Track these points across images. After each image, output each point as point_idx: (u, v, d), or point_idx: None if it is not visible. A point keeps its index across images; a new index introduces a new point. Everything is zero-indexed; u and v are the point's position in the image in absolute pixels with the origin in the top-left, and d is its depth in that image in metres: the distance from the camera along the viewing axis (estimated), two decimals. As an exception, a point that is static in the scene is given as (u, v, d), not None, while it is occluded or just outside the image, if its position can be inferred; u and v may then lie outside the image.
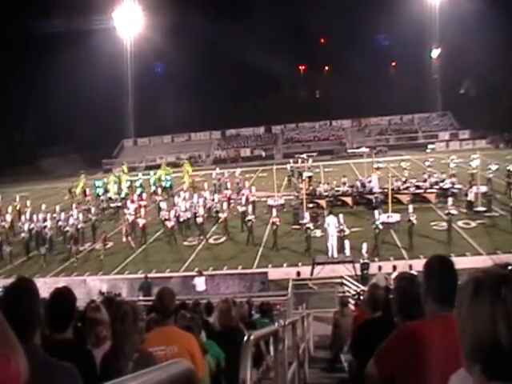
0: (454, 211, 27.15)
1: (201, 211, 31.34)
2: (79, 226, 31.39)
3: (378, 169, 37.91)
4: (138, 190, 41.33)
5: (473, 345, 1.37)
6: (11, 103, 69.10)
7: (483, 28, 57.98)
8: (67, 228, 31.08)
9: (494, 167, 35.22)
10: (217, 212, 32.31)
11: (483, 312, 1.34)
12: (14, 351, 1.64)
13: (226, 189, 37.54)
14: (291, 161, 43.68)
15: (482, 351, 1.35)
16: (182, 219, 31.26)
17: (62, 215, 33.14)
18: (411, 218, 25.81)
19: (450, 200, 27.94)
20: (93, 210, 34.23)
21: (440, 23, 70.15)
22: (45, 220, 32.16)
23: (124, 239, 30.96)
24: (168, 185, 43.75)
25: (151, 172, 47.89)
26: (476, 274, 1.42)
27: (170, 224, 30.37)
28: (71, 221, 31.49)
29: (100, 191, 42.39)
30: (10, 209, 37.15)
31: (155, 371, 1.54)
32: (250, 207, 31.48)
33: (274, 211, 28.93)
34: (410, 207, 27.11)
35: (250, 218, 29.23)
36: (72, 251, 29.71)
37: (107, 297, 7.13)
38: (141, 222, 31.10)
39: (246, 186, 36.46)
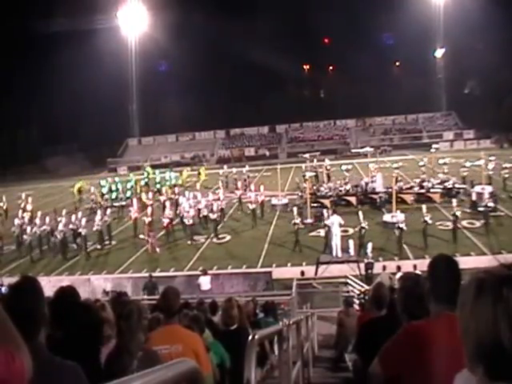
0: (491, 203, 27.05)
1: (205, 211, 31.54)
2: (94, 229, 30.76)
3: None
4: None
5: (475, 346, 1.37)
6: (15, 102, 69.21)
7: (488, 28, 57.93)
8: (80, 229, 30.16)
9: (468, 163, 35.99)
10: (221, 210, 32.22)
11: (485, 313, 1.34)
12: (18, 349, 1.64)
13: (250, 190, 36.33)
14: (308, 160, 43.33)
15: (485, 352, 1.35)
16: (185, 219, 31.23)
17: (73, 217, 32.50)
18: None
19: (487, 193, 27.67)
20: (108, 211, 33.79)
21: (444, 23, 70.06)
22: (54, 221, 31.38)
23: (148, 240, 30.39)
24: (173, 183, 43.72)
25: (157, 171, 47.90)
26: (478, 275, 1.42)
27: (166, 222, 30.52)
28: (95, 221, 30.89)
29: (105, 190, 42.42)
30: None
31: (160, 370, 1.54)
32: (295, 209, 29.40)
33: (326, 213, 27.50)
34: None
35: (296, 221, 27.54)
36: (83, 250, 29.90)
37: (117, 293, 7.13)
38: (165, 221, 30.80)
39: (261, 190, 35.40)
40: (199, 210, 32.07)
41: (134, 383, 1.40)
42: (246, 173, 42.12)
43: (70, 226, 30.93)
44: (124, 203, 38.55)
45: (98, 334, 3.33)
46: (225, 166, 45.84)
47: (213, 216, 30.80)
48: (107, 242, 31.42)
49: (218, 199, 33.65)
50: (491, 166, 35.59)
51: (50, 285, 18.14)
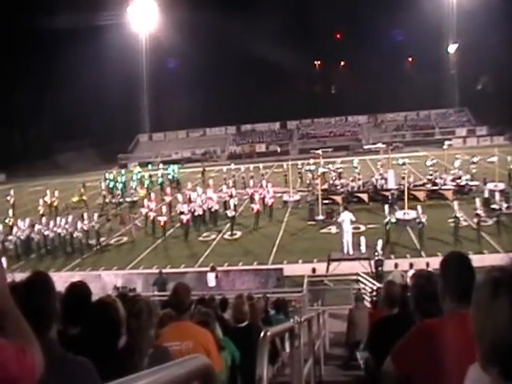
0: (504, 204, 27.01)
1: (215, 206, 31.64)
2: (75, 235, 30.36)
3: (382, 166, 38.11)
4: (149, 187, 41.56)
5: (491, 346, 1.34)
6: (27, 98, 69.52)
7: (501, 23, 57.40)
8: (60, 230, 30.16)
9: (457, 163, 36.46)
10: (235, 206, 32.29)
11: (503, 313, 1.32)
12: (30, 344, 1.63)
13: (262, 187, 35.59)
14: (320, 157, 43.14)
15: (501, 352, 1.32)
16: (196, 213, 31.27)
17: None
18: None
19: (499, 191, 27.62)
20: (95, 215, 32.54)
21: (457, 18, 69.57)
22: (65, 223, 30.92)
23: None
24: (175, 179, 43.74)
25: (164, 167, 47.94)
26: (493, 274, 1.38)
27: (185, 218, 30.42)
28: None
29: (111, 184, 42.41)
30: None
31: (172, 367, 1.53)
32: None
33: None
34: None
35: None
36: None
37: (121, 292, 7.15)
38: (162, 219, 30.70)
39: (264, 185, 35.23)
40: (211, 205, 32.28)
41: (145, 380, 1.39)
42: (253, 170, 41.98)
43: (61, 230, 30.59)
44: (136, 198, 38.39)
45: (116, 332, 3.32)
46: (232, 164, 45.46)
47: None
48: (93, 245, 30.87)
49: (231, 195, 33.85)
50: (458, 163, 35.87)
51: (61, 280, 18.19)
